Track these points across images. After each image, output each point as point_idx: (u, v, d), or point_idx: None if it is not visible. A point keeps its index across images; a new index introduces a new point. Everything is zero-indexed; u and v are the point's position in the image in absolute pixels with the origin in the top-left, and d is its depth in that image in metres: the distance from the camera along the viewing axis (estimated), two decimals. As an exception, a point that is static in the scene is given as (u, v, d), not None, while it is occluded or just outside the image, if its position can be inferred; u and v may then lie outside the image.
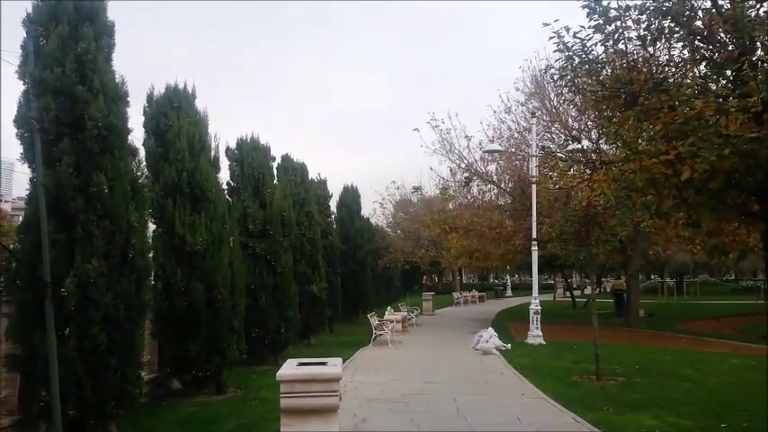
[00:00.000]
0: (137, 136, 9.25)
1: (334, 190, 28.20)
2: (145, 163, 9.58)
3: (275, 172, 16.89)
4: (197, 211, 10.43)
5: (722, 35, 6.31)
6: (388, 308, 24.28)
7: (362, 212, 30.70)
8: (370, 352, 16.59)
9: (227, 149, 14.96)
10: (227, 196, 13.62)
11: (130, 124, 8.02)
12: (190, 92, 11.36)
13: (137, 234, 7.55)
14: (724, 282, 59.97)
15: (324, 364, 5.97)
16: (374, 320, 18.75)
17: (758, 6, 6.22)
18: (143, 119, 10.92)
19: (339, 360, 6.31)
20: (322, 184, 23.76)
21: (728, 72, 6.27)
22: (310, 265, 18.33)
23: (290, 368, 5.87)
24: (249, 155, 14.94)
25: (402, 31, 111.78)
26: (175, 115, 10.79)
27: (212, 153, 11.66)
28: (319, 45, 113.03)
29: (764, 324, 7.07)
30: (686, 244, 21.35)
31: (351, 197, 28.85)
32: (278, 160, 18.77)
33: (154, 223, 10.19)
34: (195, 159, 10.69)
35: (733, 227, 7.15)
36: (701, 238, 8.17)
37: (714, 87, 6.42)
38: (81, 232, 6.90)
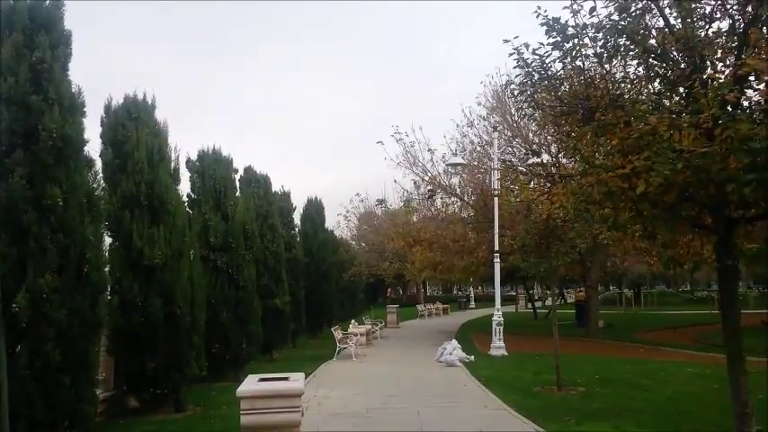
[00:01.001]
0: (93, 147, 9.05)
1: (298, 202, 28.09)
2: (101, 174, 9.39)
3: (238, 184, 16.72)
4: (156, 223, 10.22)
5: (675, 53, 6.50)
6: (353, 321, 24.16)
7: (327, 225, 30.60)
8: (333, 366, 16.45)
9: (188, 161, 14.75)
10: (187, 209, 13.41)
11: (87, 135, 7.85)
12: (149, 102, 11.18)
13: (92, 248, 7.37)
14: (680, 292, 61.60)
15: (286, 379, 5.90)
16: (338, 334, 18.62)
17: (707, 27, 6.45)
18: (100, 129, 10.68)
19: (301, 375, 6.25)
20: (285, 196, 23.60)
21: (681, 89, 6.45)
22: (273, 279, 18.15)
23: (250, 384, 5.77)
24: (211, 167, 14.76)
25: (365, 45, 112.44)
26: (134, 126, 10.58)
27: (172, 164, 11.48)
28: (285, 58, 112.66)
29: (718, 333, 7.29)
30: (643, 255, 21.86)
31: (315, 209, 28.73)
32: (241, 172, 18.61)
33: (110, 236, 9.93)
34: (154, 171, 10.49)
35: (687, 239, 7.33)
36: (657, 250, 8.42)
37: (668, 104, 6.60)
38: (34, 246, 6.70)
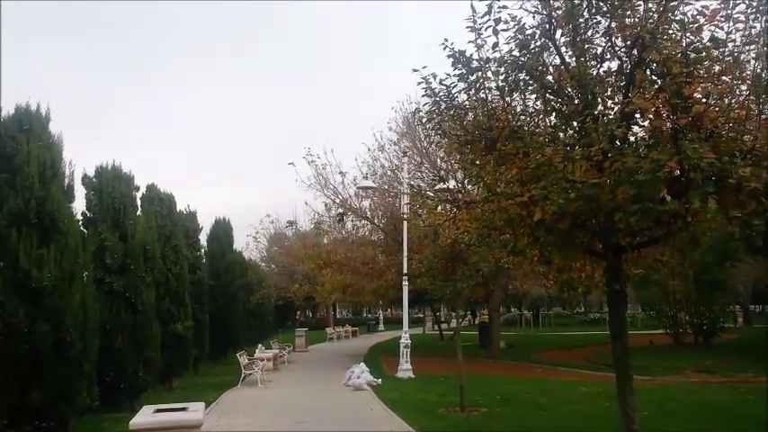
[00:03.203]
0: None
1: (206, 222, 27.22)
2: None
3: (139, 202, 15.99)
4: (46, 243, 9.57)
5: (569, 90, 6.93)
6: (259, 345, 23.56)
7: (235, 246, 29.79)
8: (238, 393, 15.92)
9: (84, 177, 13.96)
10: (82, 228, 12.67)
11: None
12: (43, 114, 10.52)
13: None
14: (575, 314, 64.84)
15: (184, 409, 5.64)
16: (243, 359, 18.07)
17: (599, 66, 6.94)
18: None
19: (201, 405, 6.00)
20: (191, 215, 22.80)
21: (575, 123, 6.88)
22: (175, 302, 17.36)
23: (145, 416, 5.47)
24: (109, 183, 14.02)
25: (279, 65, 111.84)
26: (25, 139, 9.91)
27: (67, 180, 10.84)
28: (195, 73, 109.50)
29: (609, 353, 7.76)
30: (541, 279, 22.91)
31: (222, 230, 27.90)
32: (143, 190, 17.83)
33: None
34: (46, 187, 9.85)
35: (580, 264, 7.77)
36: (552, 274, 8.88)
37: (562, 136, 7.00)
38: None
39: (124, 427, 7.01)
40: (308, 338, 33.59)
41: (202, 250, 24.60)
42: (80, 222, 12.54)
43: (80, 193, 13.12)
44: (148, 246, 14.63)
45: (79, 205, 13.52)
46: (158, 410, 5.67)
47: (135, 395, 13.13)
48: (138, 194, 15.94)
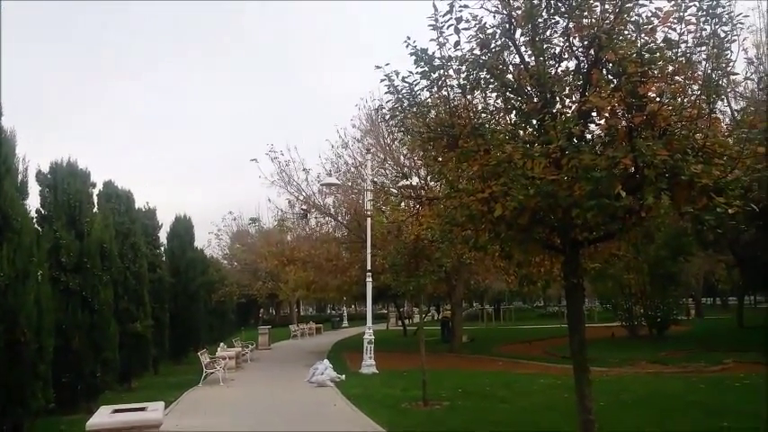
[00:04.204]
0: None
1: (166, 220, 26.72)
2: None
3: (96, 199, 15.59)
4: (-2, 241, 9.25)
5: (529, 88, 7.06)
6: (221, 344, 23.27)
7: (196, 244, 29.33)
8: (199, 393, 15.72)
9: (39, 173, 13.56)
10: (36, 225, 12.31)
11: None
12: (-6, 108, 10.16)
13: None
14: (534, 308, 66.07)
15: (142, 409, 5.55)
16: (205, 358, 17.84)
17: (557, 66, 7.08)
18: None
19: (161, 404, 5.91)
20: (151, 213, 22.33)
21: (534, 121, 7.01)
22: (134, 301, 17.02)
23: (102, 416, 5.36)
24: (65, 180, 13.65)
25: (241, 60, 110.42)
26: (-26, 134, 9.57)
27: (20, 177, 10.50)
28: (154, 73, 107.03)
29: (567, 346, 7.98)
30: (502, 274, 23.23)
31: (183, 227, 27.42)
32: (100, 187, 17.41)
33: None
34: (-3, 184, 9.52)
35: (539, 258, 7.92)
36: (513, 269, 9.01)
37: (522, 134, 7.12)
38: None
39: (81, 429, 6.84)
40: (272, 336, 33.34)
41: (162, 248, 24.15)
42: (34, 220, 12.16)
43: (34, 190, 12.79)
44: (105, 244, 14.30)
45: (33, 202, 13.15)
46: (116, 411, 5.56)
47: (93, 396, 12.84)
48: (95, 191, 15.56)
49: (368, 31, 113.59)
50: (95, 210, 15.00)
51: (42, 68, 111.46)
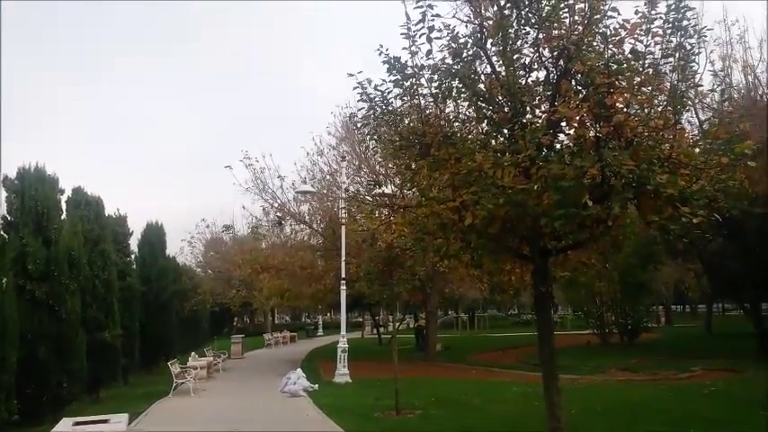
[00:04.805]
0: None
1: (137, 227, 26.29)
2: None
3: (65, 206, 15.32)
4: (-41, 249, 9.01)
5: (500, 98, 7.13)
6: (193, 353, 22.92)
7: (169, 251, 28.90)
8: (169, 403, 15.43)
9: (5, 179, 13.29)
10: (1, 232, 12.05)
11: None
12: (-44, 112, 9.92)
13: None
14: (509, 316, 66.43)
15: (105, 421, 5.43)
16: (175, 368, 17.53)
17: (527, 76, 7.16)
18: None
19: (124, 416, 5.80)
20: (121, 220, 22.01)
21: (505, 131, 7.07)
22: (103, 310, 16.71)
23: (64, 428, 5.22)
24: (32, 186, 13.38)
25: (216, 68, 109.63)
26: (-65, 138, 9.32)
27: (-16, 183, 10.25)
28: (124, 78, 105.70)
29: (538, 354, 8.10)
30: (476, 282, 23.33)
31: (155, 234, 27.00)
32: (69, 193, 17.09)
33: None
34: (-40, 189, 9.28)
35: (510, 267, 7.98)
36: (485, 277, 9.08)
37: (493, 143, 7.18)
38: None
39: (43, 442, 6.69)
40: (245, 345, 32.94)
41: (133, 255, 23.77)
42: (0, 227, 11.90)
43: (0, 196, 12.53)
44: (74, 251, 14.05)
45: (-2, 209, 12.85)
46: (78, 423, 5.43)
47: (59, 407, 12.54)
48: (64, 198, 15.29)
49: (346, 37, 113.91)
50: (64, 216, 14.72)
51: (9, 75, 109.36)
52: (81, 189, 18.19)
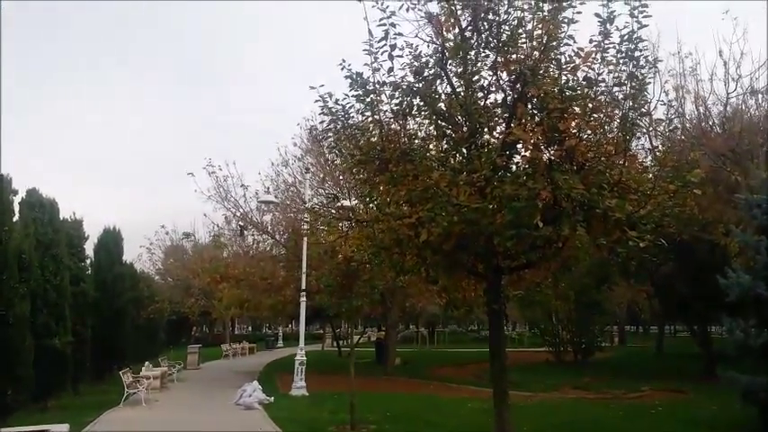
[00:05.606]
0: None
1: (94, 232, 25.64)
2: None
3: (17, 208, 14.89)
4: None
5: (459, 117, 7.29)
6: (146, 363, 22.39)
7: (127, 257, 28.25)
8: (119, 413, 15.04)
9: (-46, 178, 12.86)
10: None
11: None
12: None
13: None
14: (469, 331, 66.83)
15: None
16: (127, 377, 17.11)
17: (485, 97, 7.34)
18: None
19: (65, 427, 5.65)
20: (77, 224, 21.42)
21: (463, 149, 7.22)
22: (54, 316, 16.20)
23: (1, 437, 5.08)
24: (-18, 186, 13.00)
25: (176, 74, 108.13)
26: None
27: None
28: (89, 84, 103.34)
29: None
30: (434, 297, 23.45)
31: (112, 240, 26.31)
32: (22, 195, 16.62)
33: None
34: None
35: (465, 284, 8.11)
36: (442, 293, 9.20)
37: (452, 161, 7.33)
38: None
39: (-20, 452, 6.47)
40: (203, 355, 32.32)
41: (88, 260, 23.17)
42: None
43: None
44: (24, 254, 13.64)
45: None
46: (17, 432, 5.28)
47: (3, 416, 12.12)
48: (17, 199, 14.87)
49: (313, 50, 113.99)
50: (16, 218, 14.32)
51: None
52: (36, 191, 17.69)
